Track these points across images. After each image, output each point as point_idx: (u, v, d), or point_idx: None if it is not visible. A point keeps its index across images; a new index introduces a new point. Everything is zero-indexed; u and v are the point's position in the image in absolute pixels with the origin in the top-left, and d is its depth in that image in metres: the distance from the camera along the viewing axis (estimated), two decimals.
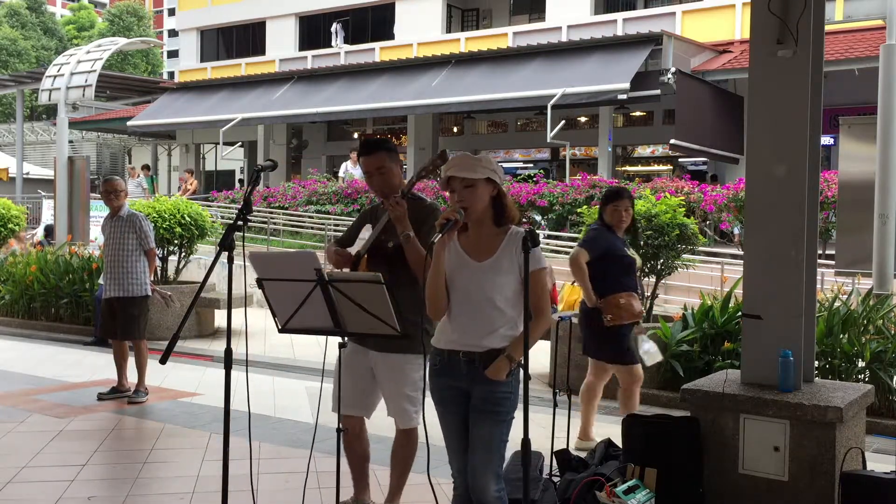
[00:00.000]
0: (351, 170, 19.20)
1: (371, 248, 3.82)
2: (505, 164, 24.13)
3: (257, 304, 12.03)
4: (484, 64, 19.70)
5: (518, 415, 3.23)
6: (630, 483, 4.03)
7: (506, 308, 3.22)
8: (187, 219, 11.04)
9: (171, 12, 58.75)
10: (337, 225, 16.87)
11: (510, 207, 3.31)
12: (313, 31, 28.78)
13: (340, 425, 3.72)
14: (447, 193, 3.29)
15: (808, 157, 4.14)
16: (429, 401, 3.42)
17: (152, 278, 7.35)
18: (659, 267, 8.13)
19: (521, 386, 3.08)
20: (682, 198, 9.92)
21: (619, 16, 22.64)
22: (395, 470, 4.10)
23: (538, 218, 15.91)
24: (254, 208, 17.95)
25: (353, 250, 3.94)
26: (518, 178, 17.76)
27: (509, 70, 18.99)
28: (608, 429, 5.59)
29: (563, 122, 18.99)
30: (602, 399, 7.57)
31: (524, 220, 14.74)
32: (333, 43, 27.16)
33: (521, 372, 3.14)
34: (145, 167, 24.09)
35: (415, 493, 4.67)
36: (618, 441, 4.50)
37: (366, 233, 3.98)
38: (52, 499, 4.52)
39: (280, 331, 3.45)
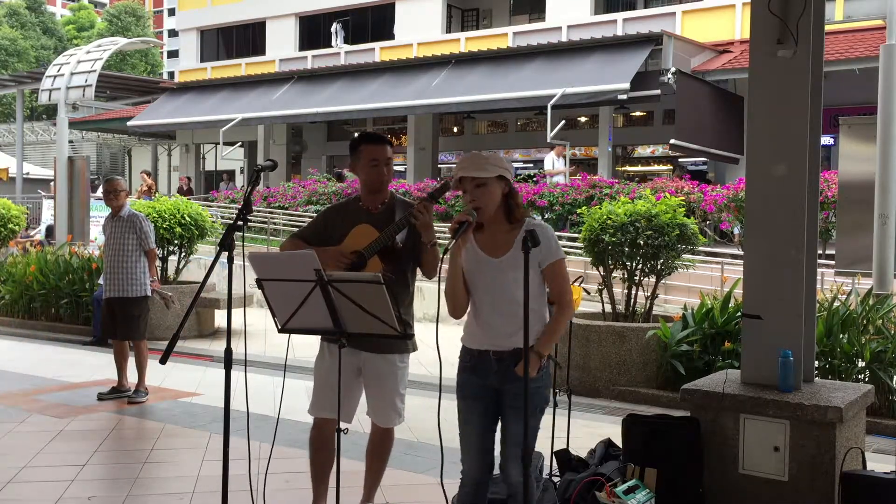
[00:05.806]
0: (556, 163, 17.80)
1: (382, 249, 3.74)
2: None
3: (257, 304, 12.03)
4: (484, 64, 19.67)
5: None
6: (630, 483, 4.03)
7: (530, 303, 3.22)
8: (187, 219, 11.05)
9: (171, 12, 58.77)
10: None
11: (520, 205, 3.34)
12: (313, 31, 28.76)
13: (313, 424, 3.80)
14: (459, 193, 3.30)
15: (808, 157, 4.14)
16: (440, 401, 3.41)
17: (155, 278, 7.35)
18: (659, 267, 8.13)
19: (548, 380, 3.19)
20: (682, 198, 9.92)
21: (619, 16, 22.62)
22: (375, 466, 4.09)
23: (538, 218, 15.91)
24: (254, 208, 17.94)
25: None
26: (518, 178, 17.74)
27: (509, 70, 18.97)
28: (608, 429, 5.59)
29: (563, 122, 18.96)
30: (602, 399, 7.61)
31: None
32: (333, 43, 27.15)
33: (552, 365, 3.32)
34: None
35: (415, 493, 4.67)
36: (618, 441, 4.50)
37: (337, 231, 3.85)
38: (52, 499, 4.52)
39: (280, 331, 3.45)
